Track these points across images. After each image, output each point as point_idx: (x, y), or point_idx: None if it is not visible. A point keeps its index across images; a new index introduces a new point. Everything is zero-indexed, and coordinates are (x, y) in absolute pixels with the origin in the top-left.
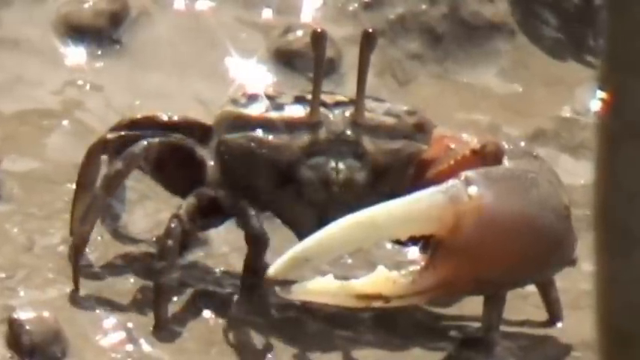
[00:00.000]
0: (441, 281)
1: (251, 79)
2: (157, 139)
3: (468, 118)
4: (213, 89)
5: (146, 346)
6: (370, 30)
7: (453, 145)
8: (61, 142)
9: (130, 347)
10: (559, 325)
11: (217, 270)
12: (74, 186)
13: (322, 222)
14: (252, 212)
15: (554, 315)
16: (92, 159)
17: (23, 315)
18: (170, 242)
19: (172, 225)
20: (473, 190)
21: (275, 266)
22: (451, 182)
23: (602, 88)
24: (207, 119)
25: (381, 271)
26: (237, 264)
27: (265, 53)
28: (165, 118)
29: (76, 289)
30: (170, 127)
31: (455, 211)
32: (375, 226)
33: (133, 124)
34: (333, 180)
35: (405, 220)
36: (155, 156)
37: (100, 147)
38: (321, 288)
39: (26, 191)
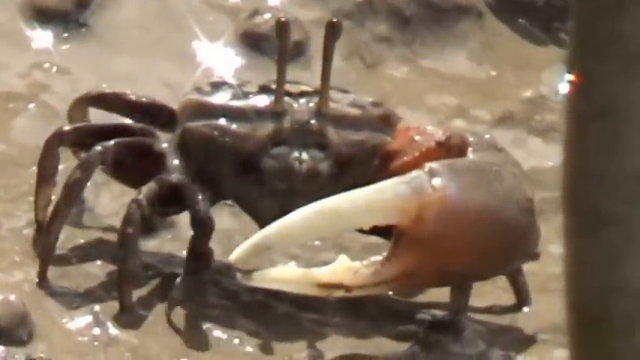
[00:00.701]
0: (402, 272)
1: (218, 62)
2: (112, 142)
3: (436, 101)
4: (180, 72)
5: (113, 330)
6: (335, 20)
7: (417, 137)
8: (27, 125)
9: (97, 331)
10: (527, 308)
11: (184, 253)
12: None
13: (285, 212)
14: (200, 196)
15: (522, 299)
16: (49, 151)
17: None
18: (130, 229)
19: (131, 210)
20: (436, 181)
21: (236, 253)
22: (415, 173)
23: (570, 71)
24: (174, 102)
25: (343, 260)
26: None
27: (232, 36)
28: (132, 97)
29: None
30: (135, 108)
31: (418, 202)
32: (337, 215)
33: (100, 99)
34: (296, 170)
35: (368, 210)
36: (112, 158)
37: (57, 139)
38: (283, 276)
39: None
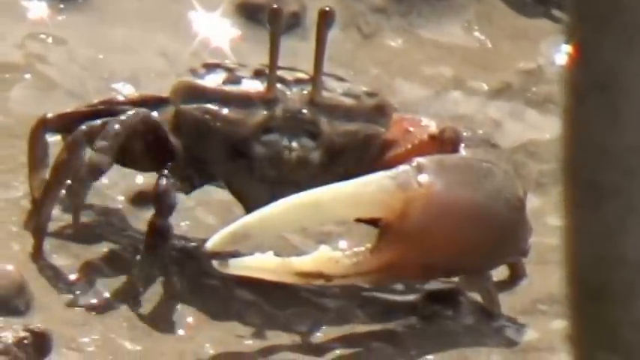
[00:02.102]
0: (385, 265)
1: (215, 32)
2: (98, 122)
3: (432, 72)
4: (176, 43)
5: (111, 300)
6: (327, 8)
7: (411, 129)
8: (24, 95)
9: (94, 301)
10: (525, 280)
11: (183, 224)
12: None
13: (273, 199)
14: (165, 172)
15: (516, 274)
16: (36, 139)
17: None
18: (117, 126)
19: (123, 117)
20: (423, 177)
21: (213, 240)
22: (402, 168)
23: (568, 42)
24: (171, 73)
25: (324, 250)
26: (204, 217)
27: (229, 7)
28: (121, 98)
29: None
30: (127, 105)
31: (403, 197)
32: (318, 208)
33: (92, 112)
34: (285, 158)
35: (351, 203)
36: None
37: (41, 128)
38: (259, 264)
39: None
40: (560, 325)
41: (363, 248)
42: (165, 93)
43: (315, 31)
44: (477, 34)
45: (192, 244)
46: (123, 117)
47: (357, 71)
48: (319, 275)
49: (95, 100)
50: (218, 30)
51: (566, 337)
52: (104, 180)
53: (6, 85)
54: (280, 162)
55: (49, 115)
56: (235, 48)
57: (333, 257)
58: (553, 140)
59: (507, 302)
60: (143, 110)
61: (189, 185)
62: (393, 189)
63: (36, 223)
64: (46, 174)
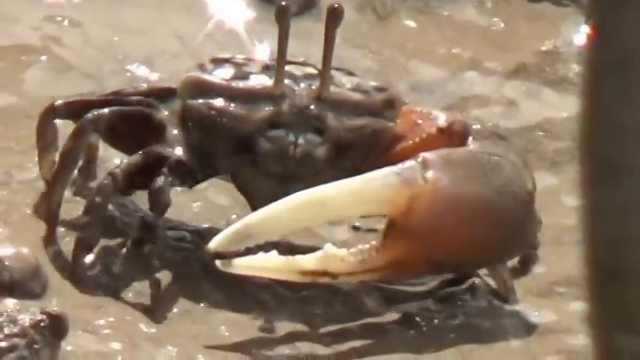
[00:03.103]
0: (391, 262)
1: (229, 14)
2: (105, 110)
3: (449, 53)
4: (191, 25)
5: (126, 282)
6: (336, 5)
7: (420, 122)
8: (39, 77)
9: (110, 283)
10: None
11: (195, 205)
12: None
13: (279, 195)
14: (164, 170)
15: (527, 262)
16: (44, 125)
17: (2, 251)
18: (98, 199)
19: (105, 182)
20: (429, 172)
21: (216, 240)
22: (407, 163)
23: (587, 22)
24: (185, 55)
25: (328, 248)
26: (216, 199)
27: None
28: (129, 90)
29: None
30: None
31: (409, 193)
32: (323, 206)
33: (101, 102)
34: (291, 154)
35: (356, 201)
36: (106, 126)
37: (50, 114)
38: (264, 263)
39: (4, 126)
40: (577, 306)
41: (368, 245)
42: (179, 75)
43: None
44: (493, 14)
45: (205, 225)
46: (102, 184)
47: (372, 52)
48: (324, 273)
49: (110, 82)
50: (232, 11)
51: (584, 318)
52: (116, 160)
53: (22, 67)
54: (286, 158)
55: (58, 102)
56: (250, 29)
57: (338, 255)
58: (569, 119)
59: (524, 284)
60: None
61: (193, 180)
62: (399, 185)
63: (47, 209)
64: (56, 156)
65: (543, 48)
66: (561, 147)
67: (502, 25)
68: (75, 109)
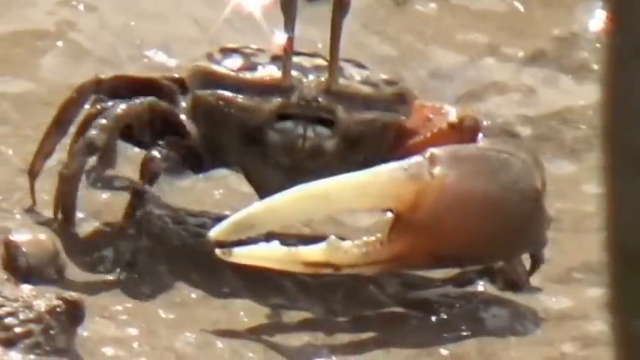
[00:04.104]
0: (395, 255)
1: (246, 0)
2: (110, 103)
3: (466, 39)
4: (208, 9)
5: (143, 267)
6: None
7: (431, 116)
8: (56, 63)
9: (127, 268)
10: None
11: (217, 192)
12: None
13: (287, 187)
14: (161, 143)
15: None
16: (80, 97)
17: (19, 237)
18: (119, 110)
19: (123, 105)
20: (436, 168)
21: (217, 229)
22: (415, 159)
23: (607, 8)
24: (203, 40)
25: (332, 240)
26: (238, 186)
27: None
28: (137, 76)
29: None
30: (144, 86)
31: (415, 188)
32: (327, 199)
33: (114, 86)
34: (299, 146)
35: (361, 194)
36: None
37: (93, 86)
38: (265, 253)
39: (20, 113)
40: (594, 293)
41: (373, 238)
42: (196, 60)
43: None
44: (511, 0)
45: (226, 212)
46: (130, 102)
47: (390, 38)
48: (327, 265)
49: (127, 67)
50: None
51: (601, 305)
52: (136, 149)
53: (38, 53)
54: (294, 150)
55: (103, 76)
56: (267, 15)
57: (341, 247)
58: (587, 107)
59: (542, 271)
60: (151, 98)
61: (198, 164)
62: (405, 180)
63: (63, 204)
64: (59, 141)
65: (560, 34)
66: (580, 135)
67: (520, 10)
68: (118, 85)
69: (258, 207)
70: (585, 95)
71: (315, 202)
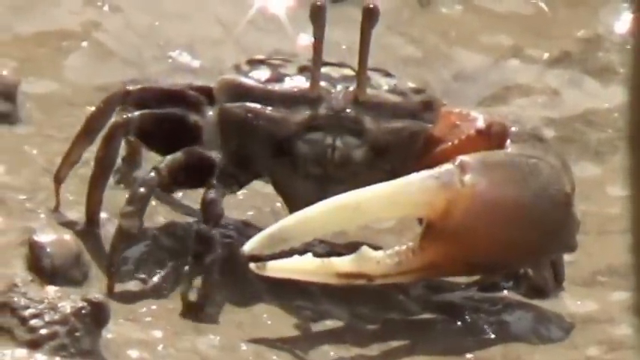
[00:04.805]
0: (427, 264)
1: (271, 0)
2: (136, 114)
3: (490, 40)
4: (233, 10)
5: (167, 270)
6: (371, 5)
7: (459, 123)
8: (80, 63)
9: (151, 273)
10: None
11: (240, 193)
12: (93, 108)
13: (318, 197)
14: (215, 181)
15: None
16: (107, 107)
17: (44, 237)
18: (142, 190)
19: (151, 174)
20: (467, 176)
21: (250, 243)
22: (445, 167)
23: (631, 9)
24: (228, 41)
25: (364, 251)
26: (260, 186)
27: None
28: (165, 87)
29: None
30: (171, 97)
31: (446, 196)
32: (359, 209)
33: (141, 97)
34: (329, 157)
35: (393, 204)
36: (137, 129)
37: (120, 97)
38: (299, 266)
39: (45, 113)
40: (620, 296)
41: (405, 247)
42: (221, 61)
43: None
44: (535, 1)
45: (249, 212)
46: (147, 177)
47: (414, 40)
48: (360, 276)
49: (151, 68)
50: None
51: (627, 308)
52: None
53: (62, 54)
54: (324, 160)
55: (131, 87)
56: (291, 16)
57: (374, 257)
58: (612, 109)
59: (567, 274)
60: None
61: (237, 185)
62: (436, 189)
63: (87, 210)
64: (86, 149)
65: (585, 36)
66: (604, 137)
67: (544, 12)
68: (145, 96)
69: (291, 220)
70: (610, 97)
71: (347, 213)
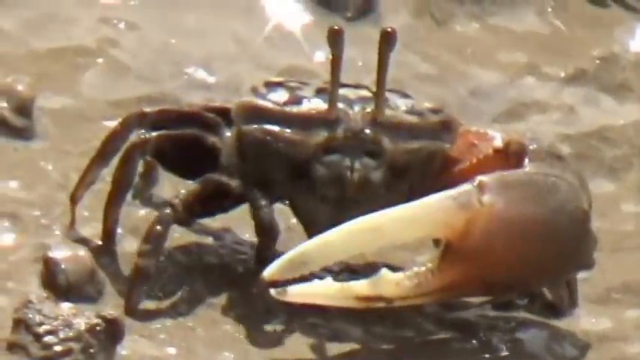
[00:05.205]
0: (447, 285)
1: (287, 18)
2: (154, 135)
3: (507, 58)
4: (249, 28)
5: (182, 286)
6: (389, 29)
7: (476, 142)
8: (96, 79)
9: (165, 286)
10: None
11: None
12: (109, 123)
13: (336, 219)
14: (264, 202)
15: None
16: (124, 130)
17: (58, 253)
18: (159, 228)
19: (166, 211)
20: (485, 196)
21: (270, 268)
22: (463, 187)
23: None
24: (243, 58)
25: (384, 273)
26: None
27: None
28: (181, 109)
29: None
30: (188, 119)
31: (465, 217)
32: (379, 232)
33: (158, 119)
34: (348, 179)
35: (412, 226)
36: (154, 150)
37: (137, 119)
38: (319, 290)
39: (61, 128)
40: (634, 314)
41: (423, 268)
42: (236, 78)
43: (387, 17)
44: (551, 20)
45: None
46: (163, 214)
47: (430, 57)
48: (379, 299)
49: (167, 85)
50: (290, 15)
51: None
52: None
53: (78, 70)
54: (342, 182)
55: (148, 110)
56: (307, 33)
57: (393, 279)
58: (627, 126)
59: (581, 291)
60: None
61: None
62: (455, 209)
63: (103, 228)
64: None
65: (600, 54)
66: (619, 154)
67: (560, 31)
68: (162, 118)
69: (311, 244)
70: (625, 114)
71: (367, 235)
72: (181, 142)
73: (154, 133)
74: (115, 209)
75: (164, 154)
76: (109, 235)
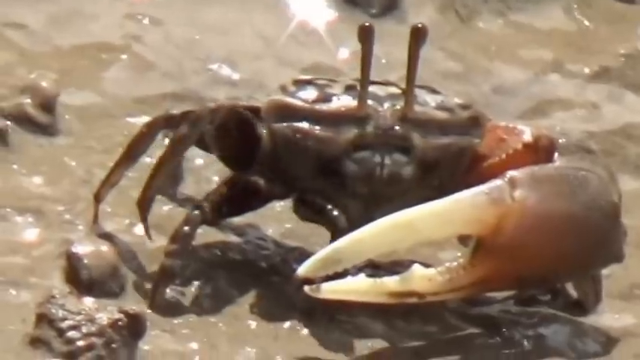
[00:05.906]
0: (479, 280)
1: (312, 14)
2: (224, 104)
3: (531, 55)
4: (273, 24)
5: (205, 282)
6: (420, 25)
7: (506, 137)
8: (120, 76)
9: (188, 282)
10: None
11: (277, 205)
12: (133, 120)
13: (368, 216)
14: (337, 212)
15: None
16: (149, 133)
17: (81, 249)
18: (186, 229)
19: (195, 212)
20: (517, 191)
21: (305, 266)
22: (495, 183)
23: None
24: (268, 55)
25: (416, 269)
26: None
27: None
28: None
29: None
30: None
31: (497, 212)
32: (411, 228)
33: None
34: (378, 175)
35: (444, 222)
36: (220, 121)
37: (163, 122)
38: (352, 287)
39: (85, 125)
40: None
41: (455, 264)
42: (261, 75)
43: (412, 14)
44: (576, 17)
45: (287, 225)
46: (191, 215)
47: (454, 54)
48: (412, 294)
49: (191, 81)
50: (315, 12)
51: None
52: (199, 160)
53: (103, 66)
54: (373, 179)
55: (174, 112)
56: (331, 30)
57: (425, 275)
58: None
59: (605, 287)
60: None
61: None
62: (487, 205)
63: (141, 195)
64: (127, 170)
65: (624, 51)
66: None
67: (585, 28)
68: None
69: (343, 241)
70: None
71: (400, 232)
72: (240, 122)
73: (226, 103)
74: (157, 180)
75: (223, 130)
76: (145, 203)
